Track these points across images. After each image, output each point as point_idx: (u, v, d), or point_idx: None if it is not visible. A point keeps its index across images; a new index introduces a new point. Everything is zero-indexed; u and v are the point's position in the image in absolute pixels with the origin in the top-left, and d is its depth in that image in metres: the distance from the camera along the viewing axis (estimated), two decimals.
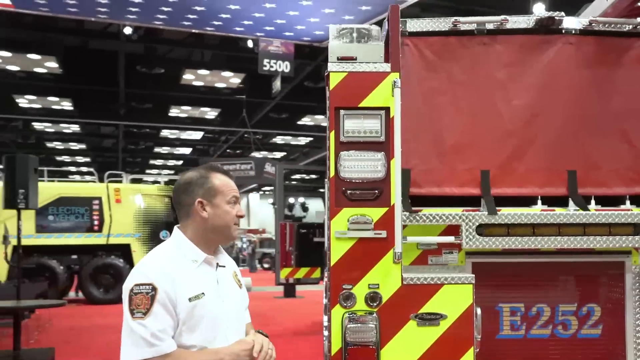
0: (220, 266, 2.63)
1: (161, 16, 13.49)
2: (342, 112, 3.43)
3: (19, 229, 6.45)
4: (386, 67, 3.44)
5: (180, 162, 36.88)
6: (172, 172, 37.87)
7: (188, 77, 22.49)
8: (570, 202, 3.73)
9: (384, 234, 3.35)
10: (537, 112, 3.84)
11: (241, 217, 2.65)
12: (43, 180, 16.65)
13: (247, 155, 29.38)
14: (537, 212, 3.61)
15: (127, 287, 2.42)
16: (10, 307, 5.92)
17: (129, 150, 32.47)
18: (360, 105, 3.42)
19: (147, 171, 37.24)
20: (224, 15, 12.86)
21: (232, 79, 22.40)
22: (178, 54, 21.32)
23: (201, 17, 13.26)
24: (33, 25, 17.74)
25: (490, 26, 3.88)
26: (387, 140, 3.41)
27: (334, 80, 3.43)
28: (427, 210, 3.63)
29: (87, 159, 36.44)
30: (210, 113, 26.50)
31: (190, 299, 2.42)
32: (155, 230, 15.12)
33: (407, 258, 3.71)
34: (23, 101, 25.00)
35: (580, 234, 3.59)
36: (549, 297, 3.80)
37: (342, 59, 3.45)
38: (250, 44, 14.39)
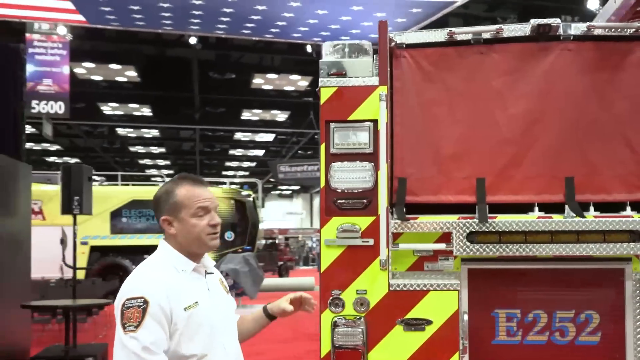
0: (208, 273, 2.67)
1: (222, 25, 14.02)
2: (332, 125, 3.59)
3: (74, 234, 6.99)
4: (375, 80, 3.58)
5: (254, 164, 37.82)
6: (246, 173, 38.87)
7: (258, 81, 23.12)
8: (567, 209, 3.73)
9: (371, 242, 3.49)
10: (535, 119, 3.85)
11: (214, 225, 2.62)
12: (117, 184, 17.61)
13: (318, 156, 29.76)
14: (528, 219, 3.64)
15: (118, 301, 2.42)
16: (62, 305, 6.45)
17: (205, 152, 33.63)
18: (350, 118, 3.58)
19: (223, 172, 38.40)
20: (280, 23, 13.23)
21: (299, 82, 22.84)
22: (248, 59, 21.95)
23: (259, 25, 13.70)
24: (114, 37, 18.82)
25: (487, 35, 3.93)
26: (376, 152, 3.54)
27: (325, 95, 3.60)
28: (422, 218, 3.73)
29: (168, 162, 37.96)
30: (281, 115, 27.07)
31: (185, 309, 2.44)
32: (221, 231, 15.67)
33: (403, 264, 3.83)
34: (107, 108, 26.47)
35: (574, 242, 3.59)
36: (546, 304, 3.80)
37: (332, 75, 3.61)
38: (309, 49, 14.71)
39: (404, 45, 3.98)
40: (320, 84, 3.61)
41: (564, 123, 3.83)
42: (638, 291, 3.69)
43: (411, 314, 3.45)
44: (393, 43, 3.94)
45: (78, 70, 21.56)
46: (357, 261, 3.49)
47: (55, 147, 32.07)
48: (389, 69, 3.83)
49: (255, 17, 12.31)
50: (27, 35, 17.48)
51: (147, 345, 2.33)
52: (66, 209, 6.75)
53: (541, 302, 3.81)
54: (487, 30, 3.91)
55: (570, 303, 3.79)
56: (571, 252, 3.58)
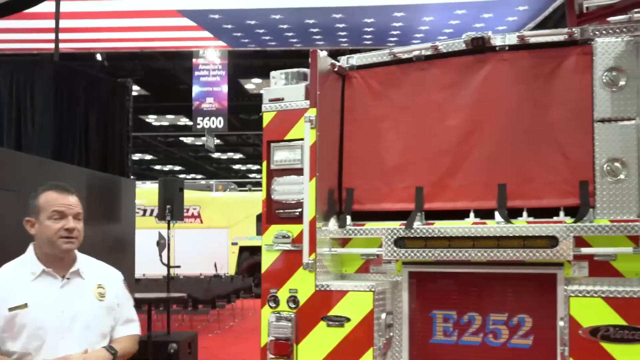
0: (67, 278, 2.89)
1: (367, 36, 14.66)
2: (272, 144, 4.12)
3: (168, 237, 8.14)
4: (306, 104, 4.04)
5: None
6: None
7: None
8: (497, 215, 3.85)
9: (300, 247, 3.95)
10: (472, 129, 4.01)
11: (68, 229, 2.82)
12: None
13: None
14: (451, 225, 3.84)
15: None
16: (162, 298, 7.59)
17: None
18: (286, 138, 4.08)
19: None
20: (423, 27, 13.48)
21: None
22: None
23: (403, 32, 14.09)
24: (278, 54, 20.36)
25: (427, 52, 4.17)
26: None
27: (266, 119, 4.14)
28: (369, 225, 4.09)
29: None
30: None
31: (10, 309, 2.66)
32: None
33: (352, 267, 4.23)
34: None
35: (494, 247, 3.73)
36: (480, 306, 3.95)
37: (271, 100, 4.14)
38: None
39: (355, 67, 4.37)
40: (262, 110, 4.15)
41: (499, 132, 3.96)
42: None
43: (333, 312, 3.84)
44: (345, 65, 4.36)
45: (248, 87, 23.57)
46: (290, 264, 3.97)
47: (238, 156, 35.11)
48: (341, 90, 4.29)
49: (397, 24, 12.67)
50: (194, 60, 19.72)
51: None
52: (161, 216, 7.92)
53: (476, 304, 3.97)
54: (423, 48, 4.15)
55: (503, 306, 3.91)
56: (490, 257, 3.72)
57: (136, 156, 33.01)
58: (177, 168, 38.58)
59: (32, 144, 7.07)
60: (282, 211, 4.07)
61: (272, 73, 4.24)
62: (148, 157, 35.19)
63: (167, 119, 28.46)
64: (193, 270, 15.52)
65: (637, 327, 3.23)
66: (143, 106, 24.72)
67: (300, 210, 3.99)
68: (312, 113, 3.97)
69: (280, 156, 4.10)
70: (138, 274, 12.50)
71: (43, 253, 2.88)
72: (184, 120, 26.61)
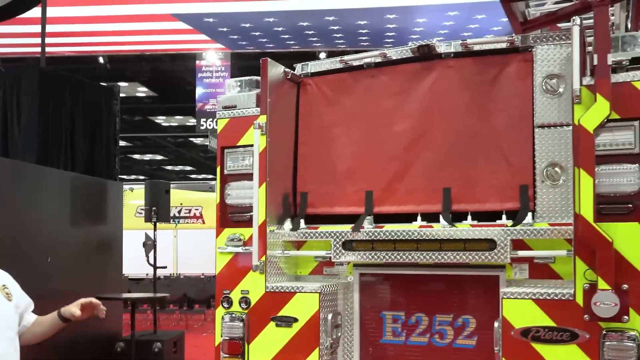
0: None
1: (363, 37, 14.74)
2: (225, 150, 4.25)
3: (155, 238, 8.30)
4: (257, 111, 4.15)
5: None
6: None
7: None
8: (441, 219, 3.95)
9: (251, 249, 4.07)
10: (419, 135, 4.11)
11: None
12: None
13: None
14: (396, 228, 3.94)
15: None
16: (123, 297, 7.79)
17: None
18: (238, 144, 4.20)
19: None
20: (417, 29, 13.52)
21: None
22: None
23: (398, 33, 14.16)
24: (284, 55, 20.34)
25: (378, 59, 4.27)
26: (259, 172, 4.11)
27: (220, 125, 4.27)
28: (322, 228, 4.20)
29: None
30: None
31: None
32: None
33: (307, 268, 4.35)
34: None
35: (437, 250, 3.83)
36: (427, 308, 4.05)
37: (225, 108, 4.27)
38: None
39: (309, 74, 4.48)
40: (217, 117, 4.28)
41: (445, 137, 4.05)
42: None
43: (282, 312, 3.96)
44: (300, 73, 4.48)
45: None
46: (242, 266, 4.10)
47: None
48: (296, 97, 4.41)
49: (418, 29, 12.71)
50: (197, 62, 19.91)
51: None
52: (147, 217, 8.09)
53: (423, 305, 4.07)
54: (372, 56, 4.25)
55: (449, 308, 4.01)
56: (432, 259, 3.82)
57: (147, 157, 33.30)
58: (188, 168, 38.80)
59: (18, 149, 7.26)
60: (234, 215, 4.20)
61: (227, 81, 4.37)
62: (159, 157, 35.47)
63: (176, 120, 28.69)
64: (195, 270, 15.70)
65: (566, 328, 3.32)
66: (151, 107, 24.95)
67: (250, 214, 4.11)
68: (262, 120, 4.08)
69: (233, 162, 4.23)
70: (141, 273, 12.74)
71: None
72: (192, 121, 26.86)
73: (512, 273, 3.81)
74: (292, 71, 4.43)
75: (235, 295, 4.11)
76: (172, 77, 22.33)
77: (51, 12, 12.49)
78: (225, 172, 4.25)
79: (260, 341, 4.01)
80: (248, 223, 4.11)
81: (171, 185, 8.72)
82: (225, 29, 13.60)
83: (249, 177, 4.14)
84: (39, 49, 8.10)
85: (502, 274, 3.84)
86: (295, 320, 3.93)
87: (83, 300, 3.23)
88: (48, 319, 3.27)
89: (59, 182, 7.07)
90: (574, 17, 3.34)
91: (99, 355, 7.58)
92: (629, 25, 4.41)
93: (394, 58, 4.23)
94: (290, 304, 3.95)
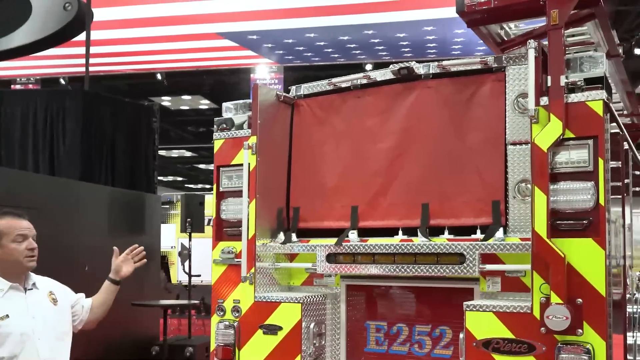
0: (29, 289, 3.30)
1: (405, 49, 14.88)
2: (221, 169, 4.56)
3: (190, 248, 8.73)
4: (248, 132, 4.45)
5: None
6: None
7: None
8: (419, 233, 4.12)
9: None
10: (400, 152, 4.30)
11: (32, 249, 3.23)
12: None
13: None
14: (376, 242, 4.14)
15: None
16: (157, 304, 8.21)
17: None
18: (232, 163, 4.51)
19: None
20: (458, 39, 13.48)
21: None
22: None
23: (439, 44, 14.24)
24: (339, 66, 20.61)
25: (364, 81, 4.50)
26: (249, 189, 4.40)
27: (216, 146, 4.59)
28: (313, 241, 4.45)
29: None
30: None
31: None
32: None
33: (299, 279, 4.60)
34: None
35: (412, 263, 4.01)
36: (407, 318, 4.22)
37: (220, 129, 4.59)
38: None
39: (302, 96, 4.75)
40: (213, 137, 4.61)
41: (424, 154, 4.23)
42: None
43: (268, 321, 4.22)
44: (294, 95, 4.77)
45: None
46: (234, 276, 4.39)
47: None
48: (290, 118, 4.69)
49: (458, 40, 12.79)
50: (252, 75, 20.51)
51: None
52: (183, 228, 8.54)
53: (404, 316, 4.26)
54: (356, 78, 4.48)
55: (428, 318, 4.17)
56: (408, 272, 4.00)
57: (211, 166, 34.28)
58: None
59: (62, 167, 7.85)
60: (228, 229, 4.50)
61: (224, 104, 4.69)
62: None
63: None
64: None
65: (524, 341, 3.44)
66: (212, 119, 25.70)
67: (246, 228, 4.39)
68: (252, 140, 4.38)
69: (228, 179, 4.53)
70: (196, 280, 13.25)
71: (6, 271, 3.27)
72: None
73: (486, 286, 3.94)
74: (285, 94, 4.71)
75: (228, 304, 4.41)
76: (232, 90, 23.06)
77: (109, 34, 13.34)
78: (221, 189, 4.56)
79: (249, 347, 4.29)
80: (240, 237, 4.39)
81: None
82: (270, 45, 14.04)
83: (241, 194, 4.43)
84: (102, 68, 8.67)
85: (476, 287, 3.98)
86: (280, 328, 4.18)
87: (121, 257, 3.71)
88: (102, 291, 3.72)
89: (99, 196, 7.60)
90: (529, 40, 3.48)
91: (136, 357, 8.07)
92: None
93: (378, 79, 4.45)
94: (276, 313, 4.21)
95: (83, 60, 9.15)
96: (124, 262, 3.75)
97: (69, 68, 17.50)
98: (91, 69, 16.93)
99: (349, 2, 11.23)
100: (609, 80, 3.59)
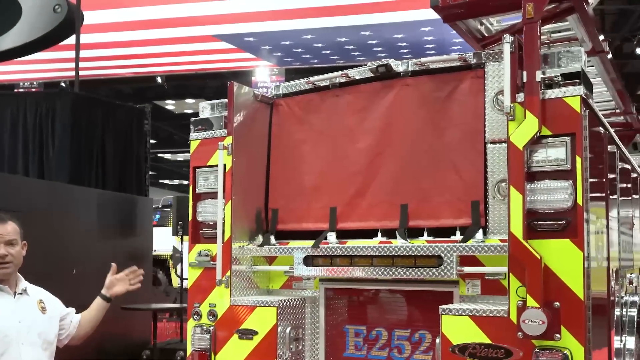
0: (18, 294, 3.37)
1: (404, 50, 14.77)
2: (197, 170, 4.47)
3: (182, 251, 8.65)
4: (224, 132, 4.35)
5: None
6: None
7: None
8: (398, 235, 4.01)
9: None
10: (379, 152, 4.20)
11: (1, 256, 3.25)
12: None
13: None
14: (353, 245, 4.03)
15: None
16: (145, 308, 8.13)
17: None
18: (208, 164, 4.41)
19: None
20: (457, 40, 13.36)
21: None
22: None
23: (438, 44, 14.12)
24: (338, 67, 20.58)
25: (342, 79, 4.40)
26: (224, 190, 4.30)
27: (193, 146, 4.49)
28: (292, 244, 4.34)
29: None
30: None
31: None
32: None
33: (277, 283, 4.50)
34: None
35: (390, 265, 3.89)
36: (387, 322, 4.11)
37: (196, 130, 4.49)
38: None
39: (281, 95, 4.66)
40: (190, 138, 4.51)
41: (402, 154, 4.12)
42: None
43: (244, 325, 4.12)
44: (273, 94, 4.67)
45: None
46: (210, 280, 4.28)
47: None
48: (269, 118, 4.60)
49: (429, 43, 12.68)
50: (253, 78, 20.42)
51: None
52: (175, 231, 8.46)
53: (383, 320, 4.14)
54: (334, 77, 4.38)
55: (407, 323, 4.06)
56: (385, 275, 3.89)
57: None
58: None
59: (52, 169, 7.78)
60: (205, 231, 4.40)
61: (201, 104, 4.59)
62: None
63: None
64: None
65: (500, 346, 3.32)
66: None
67: (221, 230, 4.30)
68: (228, 141, 4.28)
69: (204, 180, 4.43)
70: None
71: None
72: None
73: (465, 289, 3.82)
74: (262, 93, 4.62)
75: (204, 309, 4.31)
76: None
77: (104, 37, 13.29)
78: (197, 190, 4.46)
79: (225, 353, 4.18)
80: (216, 239, 4.30)
81: None
82: (267, 47, 13.96)
83: (215, 195, 4.33)
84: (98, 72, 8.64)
85: (455, 290, 3.86)
86: (256, 332, 4.07)
87: (118, 276, 3.78)
88: (93, 308, 3.75)
89: (87, 199, 7.52)
90: (504, 35, 3.36)
91: None
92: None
93: (357, 78, 4.34)
94: (251, 317, 4.11)
95: (85, 64, 9.10)
96: (118, 280, 3.82)
97: (71, 72, 17.52)
98: (91, 72, 16.94)
99: (344, 2, 11.12)
100: (588, 76, 3.46)
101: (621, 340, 4.50)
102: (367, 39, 12.98)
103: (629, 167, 5.29)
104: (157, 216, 16.92)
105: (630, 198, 5.34)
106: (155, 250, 16.36)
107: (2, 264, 3.34)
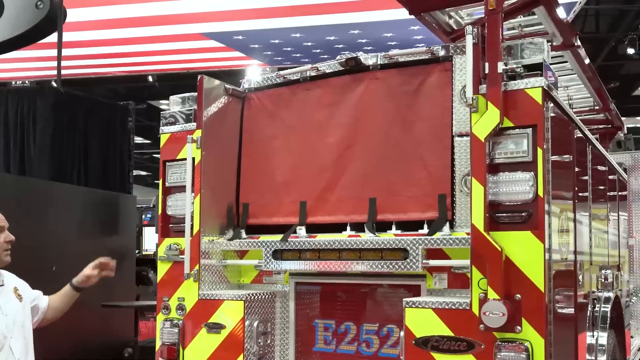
0: (1, 286, 3.35)
1: (394, 50, 14.75)
2: (167, 164, 4.44)
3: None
4: (194, 126, 4.33)
5: None
6: None
7: None
8: (366, 229, 3.99)
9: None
10: (348, 146, 4.18)
11: (9, 242, 3.29)
12: None
13: None
14: (321, 239, 4.02)
15: None
16: (128, 305, 8.10)
17: None
18: (178, 157, 4.39)
19: None
20: None
21: None
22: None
23: (427, 43, 14.12)
24: None
25: (313, 73, 4.38)
26: (193, 184, 4.28)
27: (163, 140, 4.47)
28: (262, 238, 4.33)
29: None
30: None
31: None
32: None
33: (249, 277, 4.49)
34: None
35: (356, 259, 3.88)
36: (355, 317, 4.09)
37: (166, 123, 4.47)
38: None
39: (253, 89, 4.64)
40: (160, 132, 4.49)
41: (371, 148, 4.11)
42: None
43: (212, 319, 4.10)
44: (244, 88, 4.65)
45: None
46: (179, 274, 4.26)
47: None
48: (240, 112, 4.58)
49: (419, 43, 12.70)
50: (245, 77, 20.34)
51: None
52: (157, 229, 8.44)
53: (352, 314, 4.13)
54: (304, 70, 4.37)
55: (375, 317, 4.05)
56: (352, 268, 3.88)
57: None
58: None
59: (33, 167, 7.75)
60: (174, 225, 4.38)
61: (171, 97, 4.57)
62: None
63: None
64: None
65: (463, 338, 3.30)
66: None
67: (190, 224, 4.28)
68: (197, 134, 4.26)
69: (174, 174, 4.41)
70: None
71: None
72: None
73: (433, 282, 3.81)
74: (233, 87, 4.60)
75: (173, 302, 4.29)
76: None
77: (91, 35, 13.21)
78: (167, 184, 4.44)
79: (193, 346, 4.16)
80: (184, 233, 4.28)
81: None
82: (257, 46, 13.89)
83: (184, 189, 4.31)
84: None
85: (423, 284, 3.85)
86: (223, 326, 4.06)
87: (95, 261, 3.76)
88: (61, 294, 3.78)
89: (69, 196, 7.49)
90: (467, 26, 3.35)
91: (109, 359, 7.96)
92: None
93: (327, 71, 4.33)
94: (219, 311, 4.09)
95: (75, 62, 9.01)
96: (93, 271, 3.82)
97: (63, 70, 17.45)
98: (79, 71, 16.87)
99: (331, 0, 11.09)
100: (554, 69, 3.45)
101: (593, 336, 4.48)
102: (355, 37, 12.92)
103: (603, 163, 5.27)
104: (149, 216, 16.85)
105: (605, 194, 5.33)
106: (146, 250, 16.33)
107: (7, 250, 3.37)
